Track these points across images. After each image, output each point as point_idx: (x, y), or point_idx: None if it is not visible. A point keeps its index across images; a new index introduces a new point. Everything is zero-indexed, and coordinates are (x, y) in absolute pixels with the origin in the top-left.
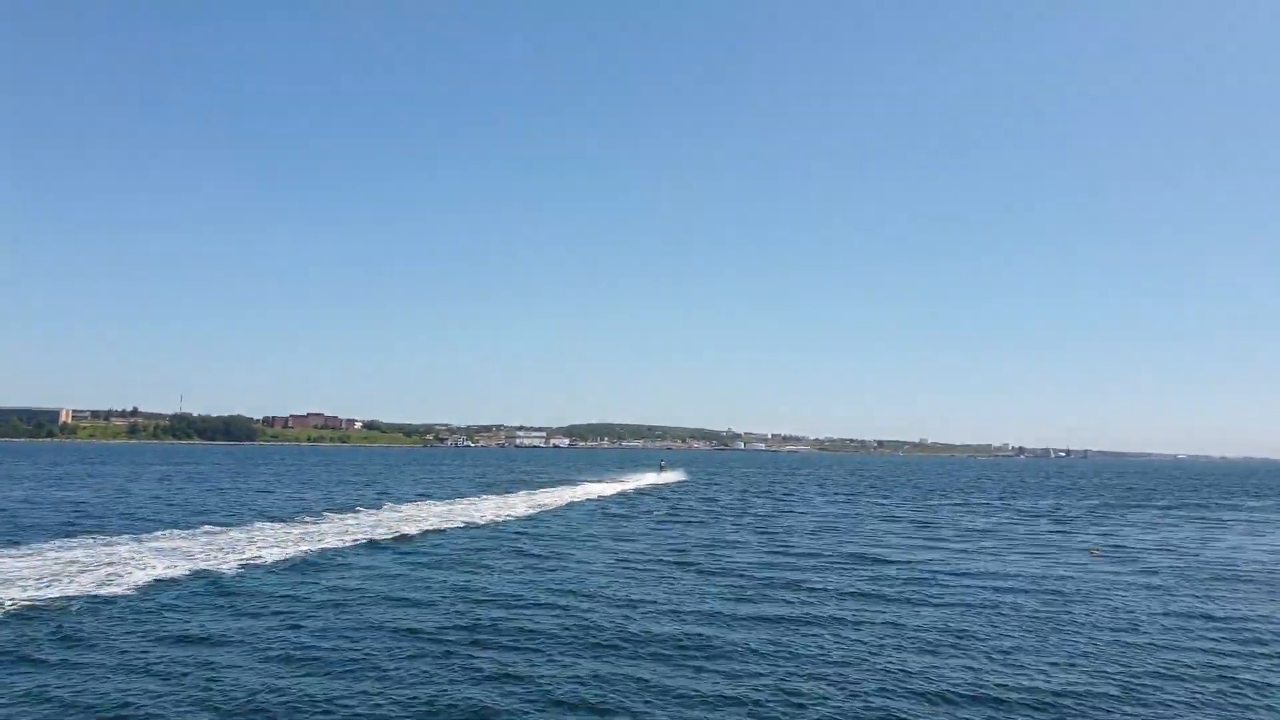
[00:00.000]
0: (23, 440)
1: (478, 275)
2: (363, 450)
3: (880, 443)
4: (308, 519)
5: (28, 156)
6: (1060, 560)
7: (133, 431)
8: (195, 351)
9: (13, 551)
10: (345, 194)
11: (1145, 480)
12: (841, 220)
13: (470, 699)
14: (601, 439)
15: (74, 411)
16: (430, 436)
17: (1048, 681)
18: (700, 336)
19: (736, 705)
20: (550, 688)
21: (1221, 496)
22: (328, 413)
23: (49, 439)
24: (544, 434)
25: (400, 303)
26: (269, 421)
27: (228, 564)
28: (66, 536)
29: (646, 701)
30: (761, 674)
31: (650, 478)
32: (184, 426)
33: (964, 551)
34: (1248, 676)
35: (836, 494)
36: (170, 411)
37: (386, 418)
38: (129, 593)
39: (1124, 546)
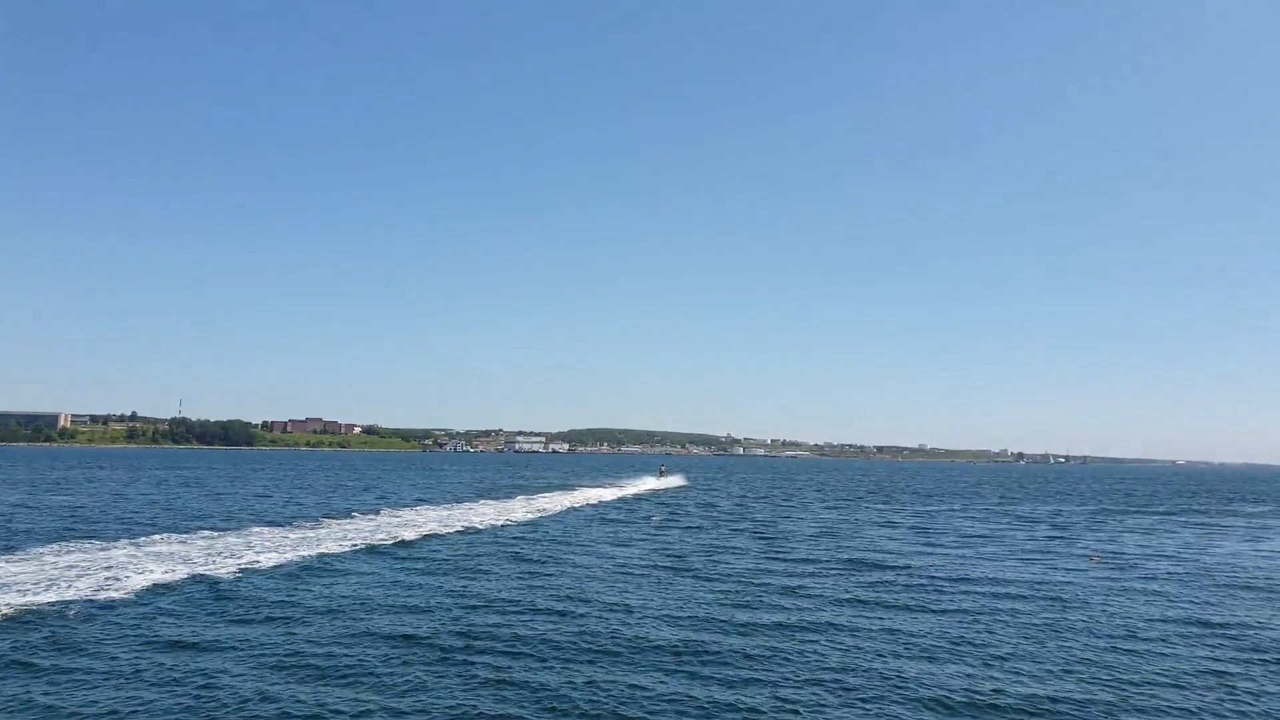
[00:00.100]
0: (21, 444)
1: (478, 280)
2: (361, 455)
3: (880, 448)
4: (305, 524)
5: (27, 160)
6: (1059, 566)
7: (131, 436)
8: (194, 356)
9: (9, 556)
10: (344, 198)
11: (1144, 486)
12: (843, 225)
13: (467, 705)
14: (601, 444)
15: (73, 416)
16: (429, 441)
17: (1046, 688)
18: (700, 342)
19: (734, 712)
20: (548, 694)
21: (1221, 502)
22: (327, 417)
23: (47, 443)
24: (543, 439)
25: (400, 308)
26: (268, 426)
27: (225, 569)
28: (63, 541)
29: (644, 708)
30: (759, 680)
31: (650, 483)
32: (182, 431)
33: (963, 557)
34: (1246, 684)
35: (836, 499)
36: (169, 416)
37: (385, 422)
38: (126, 597)
39: (1123, 552)
